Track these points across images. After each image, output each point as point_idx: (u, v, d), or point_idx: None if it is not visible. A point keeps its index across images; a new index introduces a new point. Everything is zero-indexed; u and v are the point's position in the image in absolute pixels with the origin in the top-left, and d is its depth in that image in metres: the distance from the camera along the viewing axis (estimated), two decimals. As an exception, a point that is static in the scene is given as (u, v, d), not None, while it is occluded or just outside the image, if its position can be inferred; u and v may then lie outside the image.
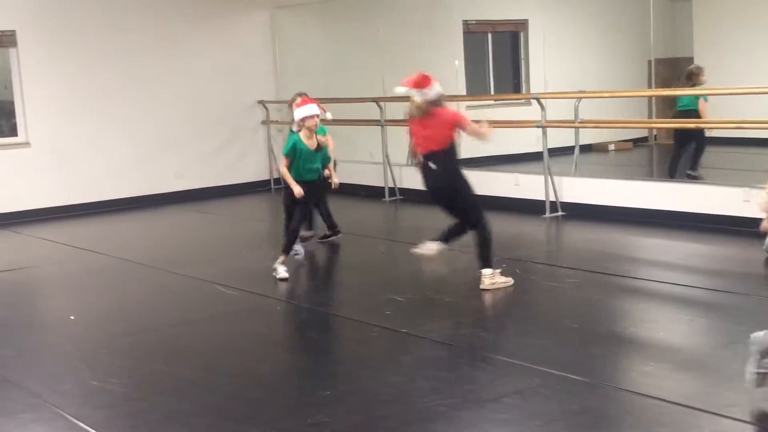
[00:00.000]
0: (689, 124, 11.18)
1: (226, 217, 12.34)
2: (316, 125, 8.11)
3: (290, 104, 9.23)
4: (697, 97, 10.98)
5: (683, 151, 11.46)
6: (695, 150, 11.31)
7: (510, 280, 7.48)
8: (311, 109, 8.04)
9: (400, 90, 7.40)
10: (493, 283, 7.36)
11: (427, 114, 7.32)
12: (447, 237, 7.56)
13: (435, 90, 7.28)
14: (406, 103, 12.34)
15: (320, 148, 8.11)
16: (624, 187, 10.39)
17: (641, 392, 4.98)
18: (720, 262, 8.34)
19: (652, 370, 5.42)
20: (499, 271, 7.49)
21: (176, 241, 10.86)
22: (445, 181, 7.41)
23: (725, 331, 6.12)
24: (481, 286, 7.36)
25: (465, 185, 7.45)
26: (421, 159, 7.44)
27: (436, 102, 7.31)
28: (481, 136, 7.46)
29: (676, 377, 5.35)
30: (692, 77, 11.24)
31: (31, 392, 5.54)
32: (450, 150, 7.36)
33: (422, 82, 7.28)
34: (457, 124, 7.34)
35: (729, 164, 11.64)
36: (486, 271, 7.38)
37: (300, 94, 9.08)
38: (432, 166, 7.36)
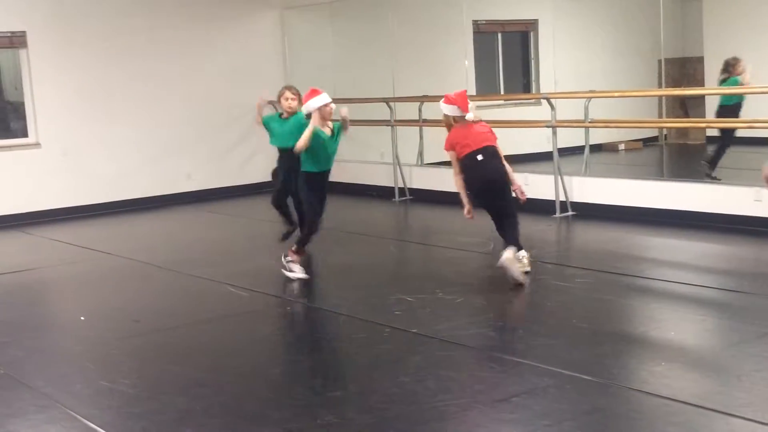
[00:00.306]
0: (700, 124, 11.17)
1: (235, 218, 12.36)
2: (331, 112, 8.00)
3: (278, 98, 9.09)
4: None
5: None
6: (716, 151, 11.20)
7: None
8: (325, 97, 7.93)
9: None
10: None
11: (468, 122, 7.66)
12: (511, 239, 7.60)
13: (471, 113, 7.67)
14: (416, 104, 12.45)
15: (333, 130, 8.04)
16: (634, 186, 10.37)
17: (652, 392, 4.96)
18: (731, 262, 8.31)
19: (663, 370, 5.40)
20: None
21: (186, 242, 10.87)
22: (499, 174, 7.62)
23: (736, 331, 6.10)
24: (525, 269, 7.59)
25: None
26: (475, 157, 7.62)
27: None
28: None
29: (686, 377, 5.34)
30: (727, 69, 11.13)
31: (41, 393, 5.55)
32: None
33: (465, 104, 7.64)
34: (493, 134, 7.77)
35: (740, 164, 11.59)
36: (524, 252, 7.65)
37: (288, 87, 9.03)
38: (479, 157, 7.54)
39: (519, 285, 7.38)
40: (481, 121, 7.73)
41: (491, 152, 7.59)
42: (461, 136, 7.59)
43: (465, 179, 7.68)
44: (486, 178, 7.59)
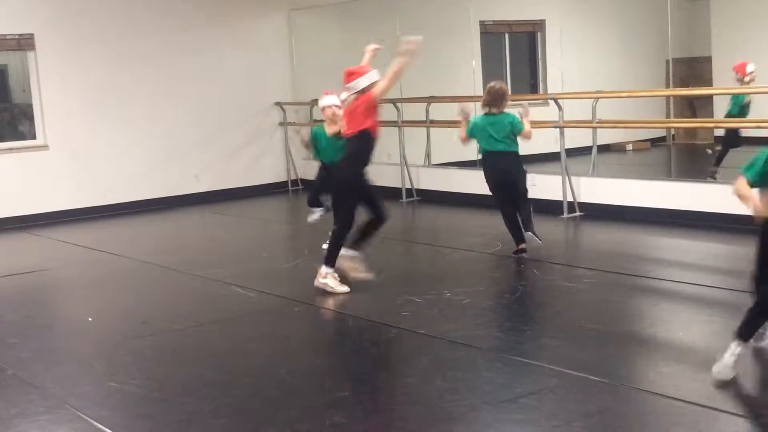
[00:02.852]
0: (707, 124, 11.13)
1: (244, 219, 12.36)
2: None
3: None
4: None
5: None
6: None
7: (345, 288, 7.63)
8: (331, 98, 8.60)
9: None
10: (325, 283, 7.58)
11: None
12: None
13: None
14: (423, 104, 12.42)
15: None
16: (642, 187, 10.35)
17: (660, 393, 4.95)
18: (739, 262, 8.26)
19: (671, 371, 5.39)
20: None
21: (194, 243, 10.88)
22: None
23: (744, 332, 6.09)
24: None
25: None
26: None
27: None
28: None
29: (695, 377, 5.32)
30: None
31: (49, 394, 5.56)
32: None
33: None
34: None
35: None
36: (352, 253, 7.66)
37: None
38: None
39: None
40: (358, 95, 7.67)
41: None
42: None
43: None
44: None
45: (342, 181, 7.65)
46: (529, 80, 15.69)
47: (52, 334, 7.10)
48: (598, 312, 6.75)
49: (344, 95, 7.65)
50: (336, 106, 8.68)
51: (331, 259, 7.60)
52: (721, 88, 12.06)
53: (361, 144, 7.51)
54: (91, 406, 5.30)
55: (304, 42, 14.62)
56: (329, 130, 8.85)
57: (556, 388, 5.12)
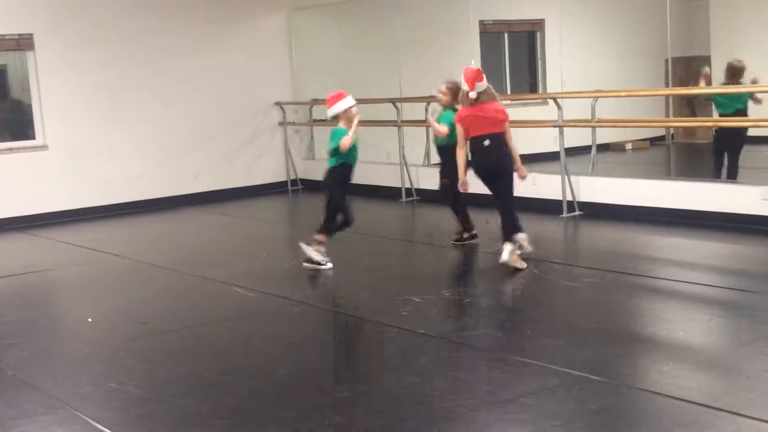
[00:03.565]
0: (707, 123, 11.09)
1: (243, 219, 12.36)
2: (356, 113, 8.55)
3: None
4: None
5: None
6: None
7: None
8: (350, 100, 8.35)
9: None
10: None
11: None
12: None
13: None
14: (422, 104, 12.42)
15: None
16: (642, 186, 10.35)
17: (660, 392, 4.95)
18: (739, 261, 8.29)
19: (671, 370, 5.39)
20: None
21: (194, 243, 10.87)
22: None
23: (745, 331, 6.09)
24: (527, 250, 8.09)
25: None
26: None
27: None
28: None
29: (695, 377, 5.33)
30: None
31: (49, 394, 5.56)
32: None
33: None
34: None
35: (748, 163, 11.57)
36: (521, 235, 8.02)
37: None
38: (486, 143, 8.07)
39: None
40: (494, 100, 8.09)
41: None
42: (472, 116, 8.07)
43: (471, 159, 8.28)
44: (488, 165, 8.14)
45: (505, 170, 8.10)
46: (529, 79, 15.69)
47: (52, 335, 7.10)
48: (599, 311, 6.76)
49: (473, 93, 8.01)
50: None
51: (509, 234, 7.97)
52: (720, 87, 12.03)
53: (506, 142, 8.10)
54: (91, 407, 5.30)
55: (304, 42, 14.62)
56: (353, 135, 8.18)
57: (557, 387, 5.12)
